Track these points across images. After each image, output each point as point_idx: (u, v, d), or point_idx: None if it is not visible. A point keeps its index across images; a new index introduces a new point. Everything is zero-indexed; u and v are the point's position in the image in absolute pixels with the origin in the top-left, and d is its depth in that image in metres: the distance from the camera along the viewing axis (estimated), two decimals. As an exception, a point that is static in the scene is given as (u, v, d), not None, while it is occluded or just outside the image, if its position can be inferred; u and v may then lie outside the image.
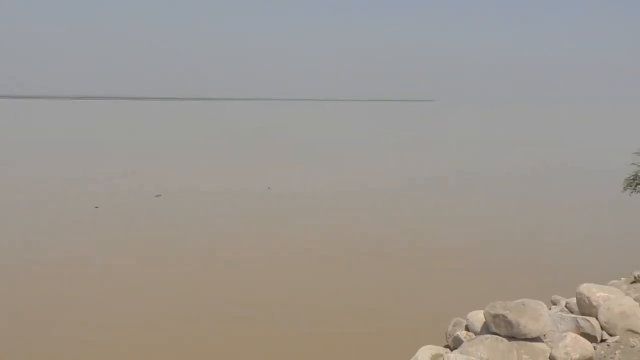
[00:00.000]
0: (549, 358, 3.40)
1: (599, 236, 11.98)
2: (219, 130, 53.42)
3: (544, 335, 3.66)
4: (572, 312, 4.18)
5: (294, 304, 8.35)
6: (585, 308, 3.79)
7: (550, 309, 4.86)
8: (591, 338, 3.59)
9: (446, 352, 3.83)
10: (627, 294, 3.98)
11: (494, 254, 10.88)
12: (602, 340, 3.62)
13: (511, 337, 3.64)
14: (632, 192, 9.97)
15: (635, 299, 3.93)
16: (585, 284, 3.90)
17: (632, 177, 9.88)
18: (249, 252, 11.04)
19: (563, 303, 4.61)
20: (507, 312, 3.62)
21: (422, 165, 25.94)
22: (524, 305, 3.55)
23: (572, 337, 3.35)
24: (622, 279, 5.30)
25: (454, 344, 4.33)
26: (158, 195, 17.23)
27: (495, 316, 3.73)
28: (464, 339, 4.15)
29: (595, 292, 3.73)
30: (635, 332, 3.51)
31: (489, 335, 3.63)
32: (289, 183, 20.07)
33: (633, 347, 3.42)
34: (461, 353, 3.53)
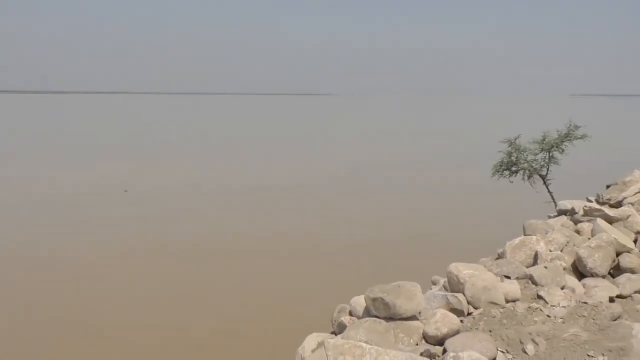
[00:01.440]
0: (422, 334, 3.70)
1: (474, 219, 13.38)
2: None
3: (420, 313, 3.95)
4: (446, 290, 4.62)
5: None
6: (454, 285, 4.18)
7: (431, 288, 5.25)
8: (459, 312, 3.97)
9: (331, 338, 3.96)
10: (489, 270, 4.44)
11: (380, 240, 11.58)
12: (469, 314, 4.01)
13: (389, 318, 3.88)
14: (499, 178, 11.27)
15: (497, 274, 4.41)
16: (454, 264, 4.30)
17: (498, 164, 11.17)
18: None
19: (441, 282, 5.01)
20: (385, 294, 3.85)
21: (305, 159, 26.61)
22: (399, 287, 3.82)
23: (441, 313, 3.68)
24: (490, 257, 5.99)
25: (339, 330, 4.50)
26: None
27: (375, 299, 3.93)
28: (347, 324, 4.33)
29: (462, 270, 4.13)
30: (496, 304, 3.95)
31: (367, 319, 3.85)
32: (146, 182, 19.23)
33: (494, 317, 3.84)
34: (342, 338, 3.69)
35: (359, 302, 4.45)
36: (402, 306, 3.76)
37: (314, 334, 4.29)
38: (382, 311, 3.91)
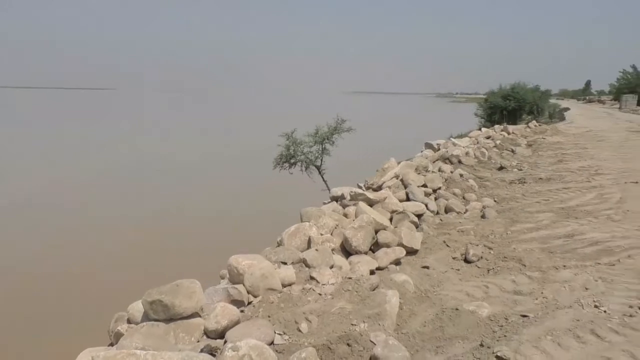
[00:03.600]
0: (204, 330, 3.78)
1: (258, 211, 13.96)
2: None
3: (202, 310, 4.00)
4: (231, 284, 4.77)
5: None
6: (235, 277, 4.36)
7: (220, 283, 5.33)
8: (240, 303, 4.17)
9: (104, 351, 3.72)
10: (268, 259, 4.75)
11: (161, 242, 11.20)
12: (249, 303, 4.24)
13: (169, 320, 3.85)
14: (280, 170, 12.03)
15: (275, 261, 4.74)
16: (233, 256, 4.48)
17: (279, 157, 11.92)
18: None
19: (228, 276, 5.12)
20: (163, 295, 3.80)
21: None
22: (177, 286, 3.81)
23: (221, 306, 3.81)
24: (272, 246, 6.39)
25: (116, 340, 4.24)
26: None
27: (152, 302, 3.85)
28: (125, 333, 4.12)
29: (242, 261, 4.34)
30: (274, 290, 4.27)
31: (144, 323, 3.75)
32: None
33: (272, 302, 4.14)
34: (117, 348, 3.51)
35: (137, 308, 4.29)
36: (182, 305, 3.77)
37: (87, 350, 3.98)
38: (162, 313, 3.85)
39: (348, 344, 3.61)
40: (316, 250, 4.81)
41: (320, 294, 4.35)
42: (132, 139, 33.87)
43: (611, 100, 64.16)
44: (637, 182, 9.57)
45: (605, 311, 4.11)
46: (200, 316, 3.97)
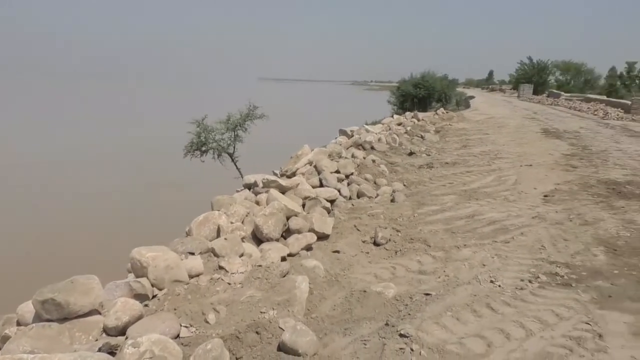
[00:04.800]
0: (103, 327, 3.59)
1: (170, 202, 13.47)
2: None
3: (102, 306, 3.79)
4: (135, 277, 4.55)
5: None
6: (138, 270, 4.17)
7: (127, 277, 5.06)
8: (143, 297, 4.00)
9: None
10: (175, 250, 4.59)
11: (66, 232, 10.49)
12: (154, 296, 4.08)
13: (64, 319, 3.60)
14: (191, 158, 11.67)
15: (182, 252, 4.60)
16: (136, 248, 4.27)
17: (189, 145, 11.55)
18: None
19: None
20: (56, 294, 3.54)
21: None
22: (72, 282, 3.57)
23: (122, 302, 3.63)
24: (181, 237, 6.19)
25: (4, 345, 3.90)
26: None
27: (44, 302, 3.58)
28: (13, 337, 3.80)
29: (145, 254, 4.16)
30: (180, 281, 4.13)
31: (34, 325, 3.48)
32: None
33: (179, 294, 4.01)
34: (2, 353, 3.23)
35: (28, 309, 3.97)
36: (77, 303, 3.54)
37: (-31, 361, 3.63)
38: (55, 313, 3.59)
39: (257, 332, 3.60)
40: (225, 239, 4.73)
41: (229, 284, 4.29)
42: (26, 129, 31.26)
43: (511, 89, 69.03)
44: (530, 165, 10.39)
45: (499, 285, 4.43)
46: (100, 313, 3.76)
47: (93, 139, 26.41)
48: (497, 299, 4.14)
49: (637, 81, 46.06)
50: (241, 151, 12.55)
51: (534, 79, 55.76)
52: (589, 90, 51.84)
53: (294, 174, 8.59)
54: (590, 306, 4.00)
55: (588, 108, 28.81)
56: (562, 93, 44.23)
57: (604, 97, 35.27)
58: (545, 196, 7.67)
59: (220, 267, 4.45)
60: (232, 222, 5.38)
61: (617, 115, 24.22)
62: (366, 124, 18.40)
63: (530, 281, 4.48)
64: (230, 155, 12.22)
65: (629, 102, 26.42)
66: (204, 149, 11.70)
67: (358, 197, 8.15)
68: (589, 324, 3.71)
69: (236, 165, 12.25)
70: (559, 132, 17.05)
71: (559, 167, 10.23)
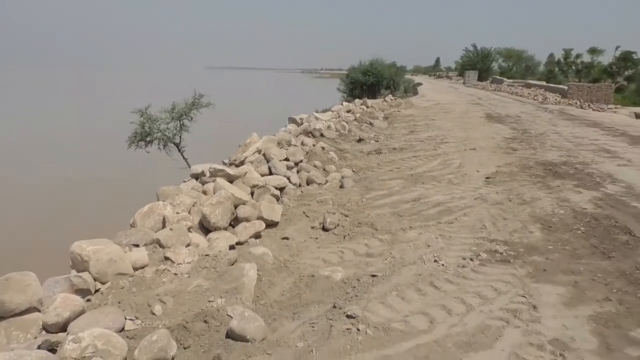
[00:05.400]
0: (43, 325, 3.47)
1: (114, 194, 13.04)
2: None
3: (42, 303, 3.66)
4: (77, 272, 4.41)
5: None
6: (79, 264, 4.06)
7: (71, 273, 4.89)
8: (85, 292, 3.90)
9: None
10: (119, 242, 4.49)
11: None
12: (97, 291, 3.98)
13: (0, 318, 3.47)
14: (136, 149, 11.32)
15: (126, 244, 4.50)
16: (76, 242, 4.15)
17: (133, 135, 11.20)
18: None
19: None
20: (-11, 292, 3.40)
21: None
22: (7, 280, 3.43)
23: (62, 297, 3.52)
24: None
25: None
26: None
27: (-23, 302, 3.42)
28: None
29: (86, 247, 4.04)
30: (124, 274, 4.05)
31: (-34, 326, 3.33)
32: None
33: (123, 287, 3.94)
34: None
35: (-40, 311, 3.78)
36: (13, 301, 3.41)
37: None
38: (-11, 313, 3.45)
39: (205, 321, 3.59)
40: (171, 229, 4.66)
41: (175, 274, 4.24)
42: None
43: (457, 75, 70.97)
44: (474, 149, 10.76)
45: (443, 264, 4.60)
46: (39, 311, 3.64)
47: (26, 130, 25.13)
48: (440, 278, 4.30)
49: (573, 67, 48.38)
50: (188, 141, 12.30)
51: (478, 65, 57.51)
52: (530, 76, 54.03)
53: (242, 163, 8.53)
54: (526, 280, 4.22)
55: (528, 93, 30.06)
56: (505, 79, 45.92)
57: (544, 83, 36.87)
58: (487, 178, 7.98)
59: (166, 258, 4.40)
60: (178, 213, 5.30)
61: (555, 100, 25.41)
62: (316, 112, 18.45)
63: (471, 259, 4.68)
64: (177, 145, 11.96)
65: (566, 88, 27.76)
66: (148, 139, 11.37)
67: (307, 184, 8.20)
68: (524, 296, 3.92)
69: (183, 156, 12.01)
70: (501, 116, 17.71)
71: (500, 150, 10.65)
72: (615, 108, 23.37)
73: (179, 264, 4.35)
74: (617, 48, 42.64)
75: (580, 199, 6.64)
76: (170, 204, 5.35)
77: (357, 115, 17.07)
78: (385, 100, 24.04)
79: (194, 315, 3.63)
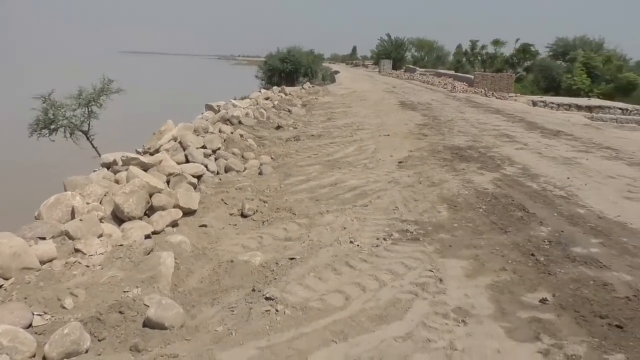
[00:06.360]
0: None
1: (16, 185, 12.10)
2: None
3: None
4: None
5: None
6: (-22, 261, 3.79)
7: None
8: (-16, 289, 3.66)
9: None
10: (23, 235, 4.25)
11: None
12: (0, 287, 3.76)
13: None
14: (38, 137, 10.56)
15: (31, 237, 4.27)
16: (-28, 236, 3.88)
17: (35, 123, 10.44)
18: None
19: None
20: None
21: None
22: None
23: (-41, 295, 3.29)
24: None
25: None
26: None
27: None
28: None
29: (-16, 242, 3.79)
30: (30, 268, 3.85)
31: None
32: None
33: (29, 282, 3.75)
34: None
35: None
36: None
37: None
38: None
39: (120, 312, 3.52)
40: (81, 220, 4.47)
41: (87, 266, 4.09)
42: None
43: (373, 64, 72.80)
44: (388, 135, 11.19)
45: (358, 245, 4.81)
46: None
47: None
48: (355, 257, 4.49)
49: (479, 58, 51.36)
50: (98, 129, 11.67)
51: (392, 54, 59.39)
52: (440, 66, 56.75)
53: (157, 151, 8.28)
54: (434, 256, 4.53)
55: (439, 82, 31.57)
56: (418, 68, 47.83)
57: (452, 72, 38.89)
58: (400, 162, 8.37)
59: (77, 250, 4.22)
60: (88, 203, 5.08)
61: (463, 88, 26.92)
62: (234, 99, 18.20)
63: (384, 239, 4.92)
64: (85, 133, 11.31)
65: (472, 77, 29.48)
66: (53, 127, 10.64)
67: (226, 171, 8.14)
68: (432, 271, 4.21)
69: (92, 144, 11.39)
70: (413, 104, 18.50)
71: (412, 136, 11.17)
72: (516, 96, 25.24)
73: (91, 255, 4.20)
74: (517, 40, 45.90)
75: (482, 180, 7.16)
76: (80, 194, 5.11)
77: (276, 102, 17.07)
78: (303, 88, 24.19)
79: (108, 306, 3.54)
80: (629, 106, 23.61)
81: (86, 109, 11.12)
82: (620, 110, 22.92)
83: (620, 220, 5.40)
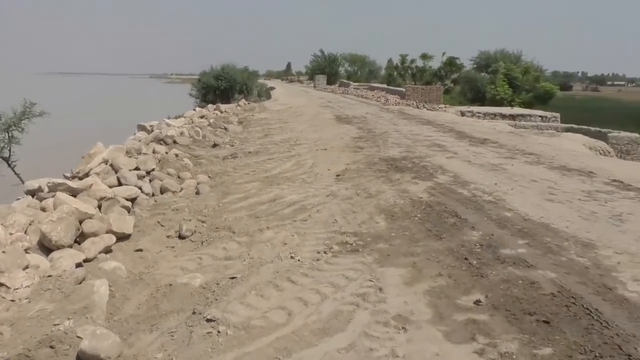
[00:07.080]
0: None
1: None
2: None
3: None
4: None
5: None
6: None
7: None
8: None
9: None
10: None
11: None
12: None
13: None
14: None
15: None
16: None
17: None
18: None
19: None
20: None
21: None
22: None
23: None
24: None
25: None
26: None
27: None
28: None
29: None
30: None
31: None
32: None
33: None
34: None
35: None
36: None
37: None
38: None
39: (51, 346, 3.34)
40: (3, 252, 4.20)
41: (12, 301, 3.85)
42: None
43: (307, 79, 73.73)
44: (325, 149, 11.35)
45: (299, 260, 4.82)
46: None
47: None
48: (296, 272, 4.51)
49: (409, 71, 53.23)
50: (20, 154, 11.05)
51: (326, 70, 60.48)
52: (373, 80, 58.35)
53: (87, 175, 7.95)
54: (373, 266, 4.63)
55: (372, 95, 32.45)
56: (352, 83, 48.97)
57: (385, 86, 40.10)
58: (338, 176, 8.50)
59: (0, 284, 3.96)
60: (11, 234, 4.79)
61: (395, 101, 27.81)
62: (168, 118, 17.80)
63: (325, 252, 4.97)
64: (6, 159, 10.66)
65: (404, 90, 30.53)
66: (-33, 153, 10.00)
67: (161, 192, 7.93)
68: (372, 281, 4.29)
69: (14, 171, 10.73)
70: (349, 118, 18.87)
71: (348, 149, 11.38)
72: (445, 107, 26.39)
73: (16, 289, 3.95)
74: (443, 54, 48.03)
75: (417, 189, 7.41)
76: (2, 224, 4.81)
77: (211, 120, 16.87)
78: (239, 105, 24.08)
79: (37, 342, 3.34)
80: (547, 113, 25.38)
81: (6, 134, 10.50)
82: (540, 118, 24.55)
83: (544, 221, 5.75)
